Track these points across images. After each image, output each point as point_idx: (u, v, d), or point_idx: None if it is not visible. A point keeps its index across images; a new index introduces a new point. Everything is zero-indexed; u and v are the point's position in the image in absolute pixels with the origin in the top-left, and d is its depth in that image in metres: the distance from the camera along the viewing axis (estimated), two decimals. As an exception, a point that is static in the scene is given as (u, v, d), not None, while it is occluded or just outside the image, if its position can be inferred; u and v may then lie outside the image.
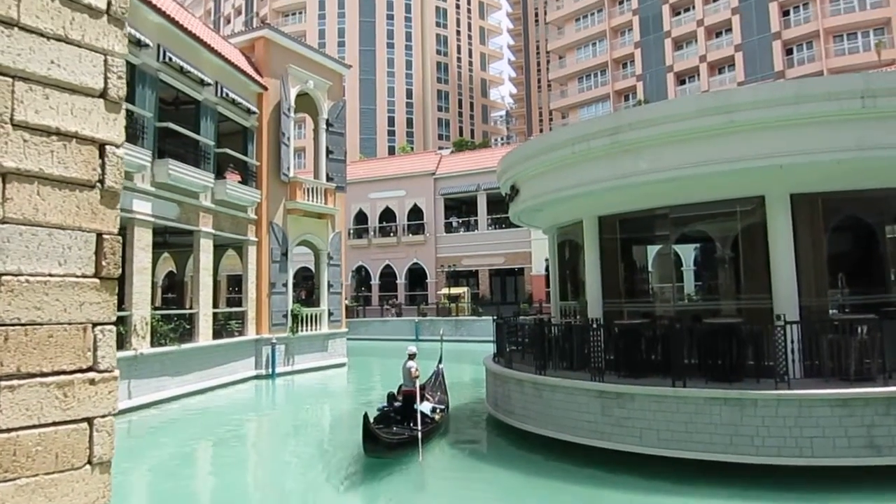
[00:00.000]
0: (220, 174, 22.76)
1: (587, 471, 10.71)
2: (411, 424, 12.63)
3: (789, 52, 54.86)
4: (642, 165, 12.01)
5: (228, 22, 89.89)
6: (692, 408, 10.33)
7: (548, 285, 24.62)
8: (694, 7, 60.92)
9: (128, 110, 16.56)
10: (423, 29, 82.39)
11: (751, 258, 12.88)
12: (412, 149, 72.21)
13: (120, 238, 1.70)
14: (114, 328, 1.65)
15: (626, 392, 11.00)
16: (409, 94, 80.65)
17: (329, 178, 28.39)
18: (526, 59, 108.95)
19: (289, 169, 26.00)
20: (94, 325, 1.61)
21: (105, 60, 1.60)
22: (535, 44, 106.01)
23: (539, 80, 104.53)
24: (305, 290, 34.14)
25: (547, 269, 26.74)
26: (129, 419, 16.26)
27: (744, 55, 56.79)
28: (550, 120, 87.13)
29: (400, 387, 13.99)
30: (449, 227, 47.25)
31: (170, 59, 19.39)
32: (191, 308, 21.95)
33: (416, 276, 47.99)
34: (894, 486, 9.14)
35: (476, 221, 46.05)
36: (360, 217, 48.79)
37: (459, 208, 48.65)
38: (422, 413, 12.87)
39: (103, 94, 1.61)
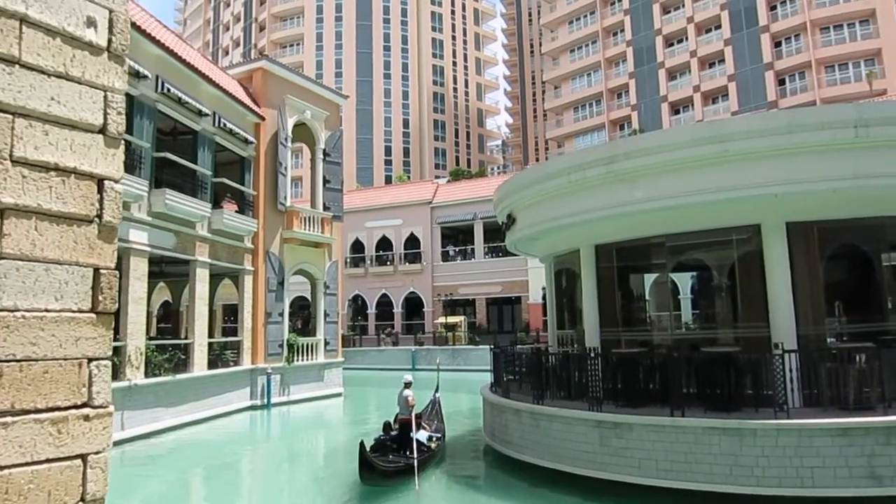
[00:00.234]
0: (217, 203, 22.81)
1: (585, 502, 10.57)
2: (407, 453, 12.56)
3: (782, 82, 55.59)
4: (638, 194, 12.07)
5: (227, 53, 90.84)
6: (691, 437, 10.24)
7: (545, 314, 24.58)
8: (687, 38, 61.84)
9: (125, 140, 16.63)
10: (419, 60, 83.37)
11: (748, 286, 12.89)
12: (409, 178, 72.57)
13: (117, 272, 1.70)
14: (109, 363, 1.63)
15: (625, 422, 10.91)
16: (406, 123, 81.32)
17: (326, 208, 28.46)
18: (521, 89, 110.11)
19: (285, 198, 26.07)
20: (90, 360, 1.60)
21: (105, 96, 1.62)
22: (531, 74, 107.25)
23: (535, 110, 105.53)
24: (302, 320, 34.02)
25: (544, 297, 26.70)
26: (122, 450, 16.05)
27: (737, 85, 57.51)
28: (546, 149, 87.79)
29: (396, 415, 13.91)
30: (446, 256, 47.27)
31: (168, 89, 19.55)
32: (186, 338, 21.81)
33: (413, 305, 47.86)
34: (897, 517, 9.03)
35: (473, 250, 46.09)
36: (357, 246, 48.79)
37: (456, 237, 48.73)
38: (418, 441, 12.78)
39: (103, 130, 1.63)
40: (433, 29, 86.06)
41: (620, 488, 10.64)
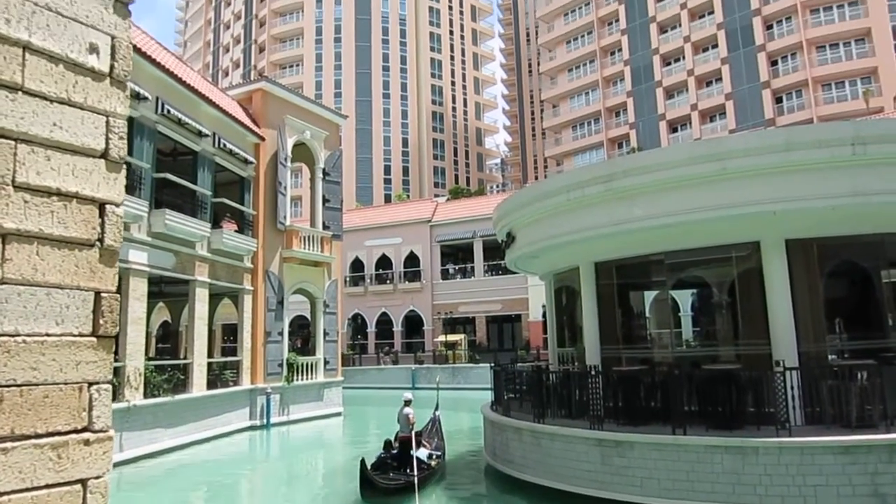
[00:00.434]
0: (216, 223, 22.83)
1: (588, 523, 10.49)
2: (408, 470, 12.60)
3: (779, 100, 55.96)
4: (637, 212, 12.09)
5: (226, 75, 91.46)
6: (693, 456, 10.18)
7: (545, 332, 24.51)
8: (684, 57, 62.34)
9: (125, 162, 16.69)
10: (418, 80, 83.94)
11: (748, 303, 12.87)
12: (408, 196, 72.78)
13: (118, 296, 1.70)
14: (110, 387, 1.63)
15: (626, 440, 10.85)
16: (405, 142, 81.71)
17: (325, 227, 28.49)
18: (520, 107, 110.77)
19: (285, 217, 26.12)
20: (90, 384, 1.60)
21: (107, 122, 1.63)
22: (529, 93, 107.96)
23: (533, 129, 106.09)
24: (301, 339, 33.90)
25: (544, 315, 26.66)
26: (120, 472, 15.92)
27: (734, 103, 57.89)
28: (545, 167, 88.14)
29: (397, 434, 13.92)
30: (445, 274, 47.24)
31: (168, 111, 19.66)
32: (185, 358, 21.74)
33: (413, 324, 47.75)
34: (902, 536, 8.95)
35: (472, 268, 46.07)
36: (357, 265, 48.78)
37: (456, 255, 48.74)
38: (418, 459, 12.79)
39: (104, 155, 1.64)
40: (432, 49, 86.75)
41: (623, 508, 10.55)
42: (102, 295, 1.67)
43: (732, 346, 13.41)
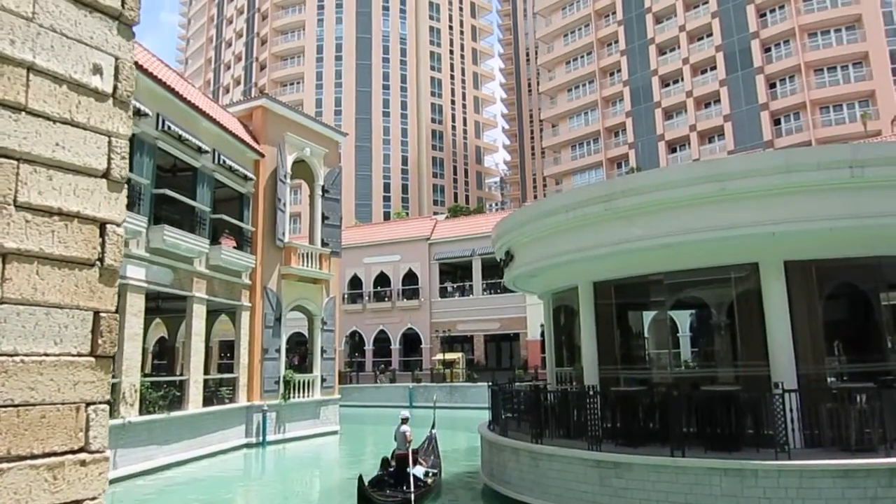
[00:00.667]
0: (215, 239, 22.83)
1: (586, 545, 10.37)
2: (405, 487, 12.57)
3: (777, 122, 56.29)
4: (636, 232, 12.11)
5: (227, 91, 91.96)
6: (692, 478, 10.11)
7: (543, 351, 24.44)
8: (682, 79, 62.79)
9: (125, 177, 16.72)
10: (418, 98, 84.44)
11: (747, 325, 12.85)
12: (407, 214, 72.89)
13: (117, 316, 1.69)
14: (107, 407, 1.62)
15: (624, 462, 10.78)
16: (405, 160, 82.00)
17: (324, 244, 28.50)
18: (519, 127, 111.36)
19: (284, 234, 26.13)
20: (88, 404, 1.58)
21: (109, 142, 1.63)
22: (529, 112, 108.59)
23: (533, 148, 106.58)
24: (298, 356, 33.75)
25: (542, 334, 26.61)
26: (113, 490, 15.77)
27: (733, 125, 58.23)
28: (544, 186, 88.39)
29: (394, 451, 13.90)
30: (444, 293, 47.18)
31: (168, 127, 19.72)
32: (181, 374, 21.62)
33: (411, 342, 47.60)
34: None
35: (471, 286, 46.02)
36: (355, 282, 48.72)
37: (454, 273, 48.69)
38: (414, 476, 12.78)
39: (106, 175, 1.64)
40: (432, 68, 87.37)
41: (621, 531, 10.45)
42: (101, 315, 1.66)
43: (731, 367, 13.38)
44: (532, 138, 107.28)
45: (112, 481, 16.04)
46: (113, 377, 14.30)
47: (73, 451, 1.60)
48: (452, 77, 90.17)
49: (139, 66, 18.28)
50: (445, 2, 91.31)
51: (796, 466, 9.51)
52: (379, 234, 51.13)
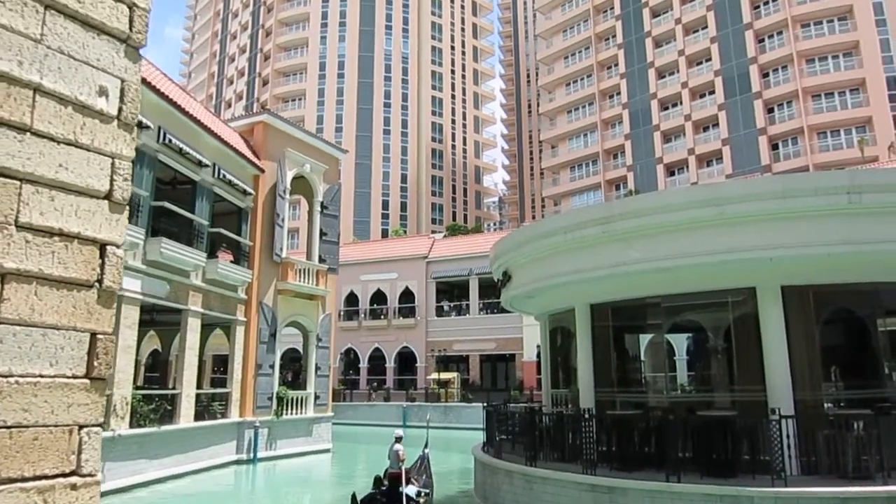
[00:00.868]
0: (212, 253, 22.80)
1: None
2: None
3: (775, 146, 56.62)
4: (634, 255, 12.12)
5: (229, 106, 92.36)
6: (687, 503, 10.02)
7: (539, 372, 24.34)
8: (681, 102, 63.22)
9: (125, 189, 16.71)
10: (419, 117, 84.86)
11: (744, 349, 12.82)
12: (405, 232, 72.93)
13: (114, 338, 1.68)
14: (100, 430, 1.60)
15: (619, 486, 10.69)
16: (404, 178, 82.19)
17: (321, 260, 28.47)
18: (519, 147, 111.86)
19: (281, 249, 26.11)
20: (81, 427, 1.56)
21: (112, 163, 1.63)
22: (528, 133, 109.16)
23: (532, 168, 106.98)
24: (292, 372, 33.56)
25: (538, 355, 26.52)
26: (103, 506, 15.59)
27: (731, 149, 58.55)
28: (543, 207, 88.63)
29: (386, 470, 13.80)
30: (440, 311, 47.07)
31: (170, 140, 19.77)
32: (173, 388, 21.48)
33: (406, 360, 47.39)
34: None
35: (468, 306, 45.92)
36: (351, 299, 48.59)
37: (451, 292, 48.61)
38: (407, 496, 12.64)
39: (108, 196, 1.63)
40: (433, 87, 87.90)
41: (615, 556, 10.34)
42: (98, 336, 1.64)
43: (728, 391, 13.32)
44: (531, 159, 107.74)
45: (100, 495, 15.85)
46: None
47: (64, 475, 1.57)
48: (453, 96, 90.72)
49: (142, 79, 18.35)
50: (448, 22, 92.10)
51: (793, 494, 9.44)
52: (376, 251, 51.11)
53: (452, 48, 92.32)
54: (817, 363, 12.20)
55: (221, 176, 22.62)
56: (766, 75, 58.07)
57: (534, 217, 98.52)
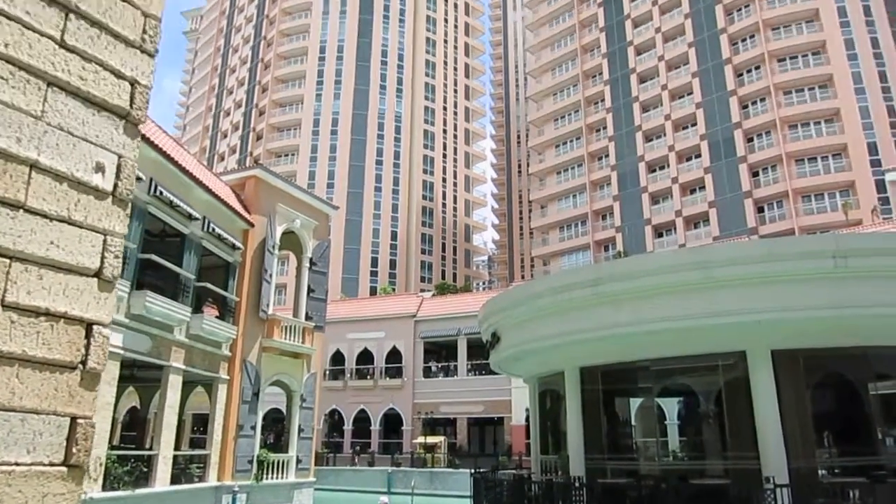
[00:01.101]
0: (197, 308, 22.50)
1: None
2: None
3: (761, 209, 57.51)
4: (622, 318, 12.08)
5: (222, 159, 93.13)
6: (681, 578, 9.71)
7: (528, 436, 23.92)
8: (668, 165, 64.43)
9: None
10: (410, 175, 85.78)
11: (735, 414, 12.68)
12: (394, 290, 72.71)
13: (94, 423, 1.60)
14: (76, 520, 1.51)
15: (611, 558, 10.37)
16: (394, 235, 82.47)
17: (308, 317, 28.16)
18: (509, 207, 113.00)
19: (268, 306, 25.83)
20: (56, 518, 1.47)
21: (104, 240, 1.58)
22: (518, 193, 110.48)
23: (521, 228, 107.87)
24: (274, 434, 32.81)
25: (527, 419, 26.14)
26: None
27: (718, 211, 59.38)
28: (532, 266, 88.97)
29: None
30: (428, 372, 46.43)
31: (161, 192, 19.70)
32: (150, 448, 20.82)
33: (392, 423, 46.38)
34: None
35: (456, 367, 45.34)
36: (337, 357, 47.90)
37: (439, 352, 48.06)
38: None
39: (98, 273, 1.58)
40: (425, 146, 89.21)
41: None
42: (79, 421, 1.56)
43: (720, 458, 13.11)
44: (521, 218, 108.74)
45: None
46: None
47: (34, 572, 1.47)
48: (445, 155, 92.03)
49: (136, 135, 18.44)
50: (441, 84, 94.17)
51: (788, 568, 9.18)
52: (364, 309, 50.77)
53: (445, 108, 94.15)
54: (810, 429, 12.07)
55: (211, 230, 22.53)
56: (750, 140, 59.47)
57: (523, 277, 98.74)
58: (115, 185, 1.64)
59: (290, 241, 28.73)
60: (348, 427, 46.87)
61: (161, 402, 20.97)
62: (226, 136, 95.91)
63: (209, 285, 22.94)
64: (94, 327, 1.61)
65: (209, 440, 23.22)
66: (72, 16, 1.43)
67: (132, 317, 18.75)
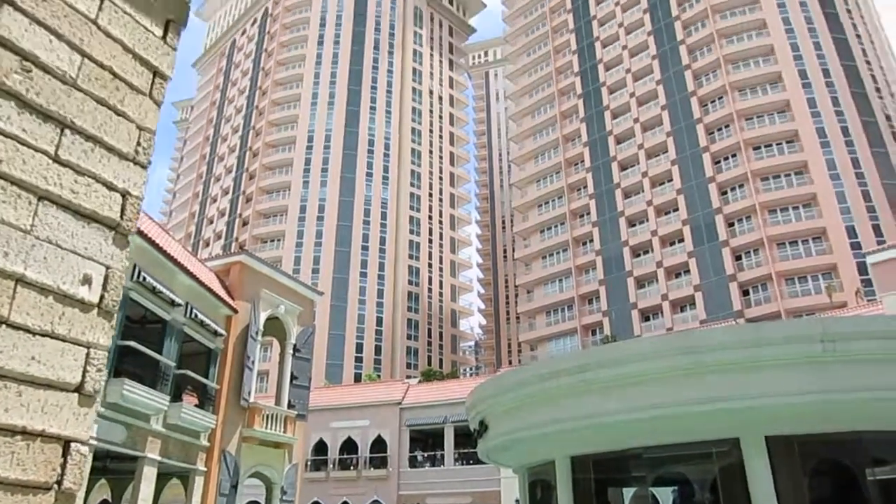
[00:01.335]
0: (177, 396, 21.93)
1: None
2: None
3: (746, 292, 58.00)
4: (611, 405, 11.85)
5: (207, 245, 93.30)
6: None
7: (517, 528, 23.01)
8: (652, 249, 65.27)
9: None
10: (396, 260, 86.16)
11: (732, 503, 12.31)
12: (379, 377, 71.51)
13: (68, 547, 1.51)
14: None
15: None
16: (380, 321, 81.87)
17: (290, 405, 27.51)
18: (495, 291, 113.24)
19: (249, 394, 25.24)
20: None
21: (87, 354, 1.55)
22: (504, 278, 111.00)
23: (508, 313, 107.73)
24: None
25: (516, 509, 25.29)
26: None
27: (703, 295, 59.79)
28: (519, 351, 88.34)
29: None
30: (414, 462, 45.08)
31: (144, 278, 19.56)
32: (125, 547, 19.82)
33: (377, 516, 44.63)
34: None
35: (442, 456, 44.10)
36: (320, 447, 46.49)
37: (425, 441, 46.82)
38: None
39: (79, 388, 1.54)
40: (411, 232, 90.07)
41: None
42: (51, 544, 1.48)
43: (717, 554, 12.62)
44: (507, 303, 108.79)
45: None
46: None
47: None
48: (430, 241, 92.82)
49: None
50: (426, 171, 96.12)
51: None
52: (349, 396, 49.74)
53: (431, 195, 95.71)
54: (809, 521, 11.70)
55: (193, 316, 22.27)
56: (731, 224, 60.64)
57: (510, 362, 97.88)
58: (102, 297, 1.62)
59: (274, 326, 28.43)
60: (331, 522, 44.99)
61: (134, 496, 20.08)
62: (212, 222, 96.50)
63: (189, 373, 22.45)
64: (72, 445, 1.55)
65: (184, 538, 22.12)
66: (67, 131, 1.45)
67: (107, 405, 18.22)
